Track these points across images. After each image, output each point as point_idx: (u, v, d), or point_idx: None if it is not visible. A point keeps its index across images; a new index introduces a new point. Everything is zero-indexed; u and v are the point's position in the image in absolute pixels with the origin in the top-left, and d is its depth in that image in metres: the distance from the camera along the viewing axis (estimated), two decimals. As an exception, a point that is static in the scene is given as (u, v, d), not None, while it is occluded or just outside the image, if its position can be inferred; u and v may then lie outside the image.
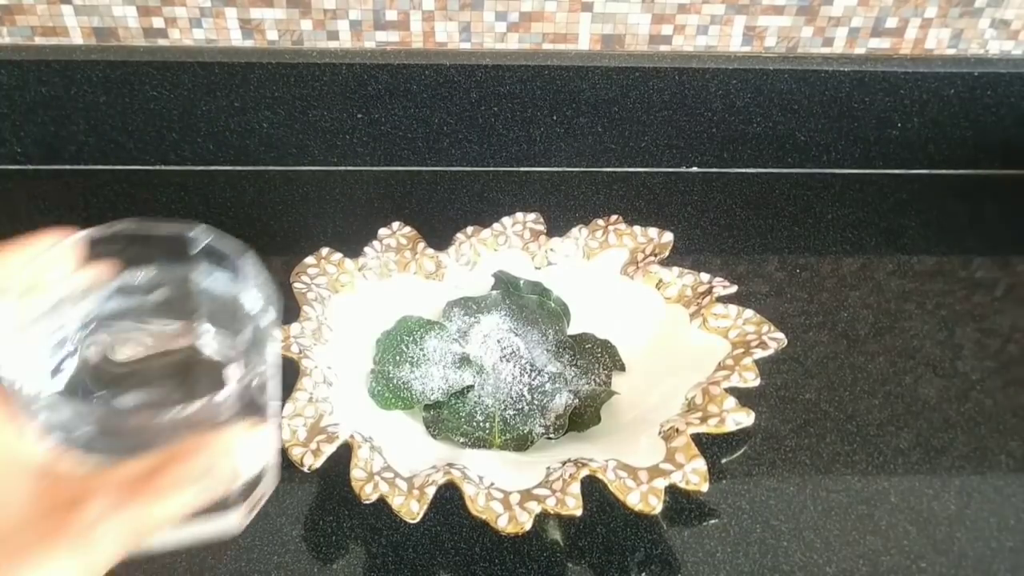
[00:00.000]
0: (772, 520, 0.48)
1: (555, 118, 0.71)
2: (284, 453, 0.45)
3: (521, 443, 0.50)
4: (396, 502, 0.43)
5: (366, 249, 0.58)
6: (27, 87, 0.67)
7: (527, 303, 0.58)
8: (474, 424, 0.51)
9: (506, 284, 0.58)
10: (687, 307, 0.55)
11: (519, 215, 0.62)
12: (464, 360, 0.54)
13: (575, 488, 0.43)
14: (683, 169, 0.75)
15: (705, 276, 0.56)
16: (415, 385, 0.52)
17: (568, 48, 0.70)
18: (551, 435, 0.50)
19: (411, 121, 0.71)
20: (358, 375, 0.52)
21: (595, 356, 0.55)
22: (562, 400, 0.52)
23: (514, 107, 0.70)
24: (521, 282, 0.59)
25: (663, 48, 0.70)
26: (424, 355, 0.54)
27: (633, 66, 0.69)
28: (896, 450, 0.52)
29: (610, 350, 0.55)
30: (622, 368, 0.55)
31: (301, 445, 0.45)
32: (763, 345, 0.50)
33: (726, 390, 0.47)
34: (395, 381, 0.52)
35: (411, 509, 0.42)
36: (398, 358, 0.53)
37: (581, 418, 0.51)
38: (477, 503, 0.43)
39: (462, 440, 0.50)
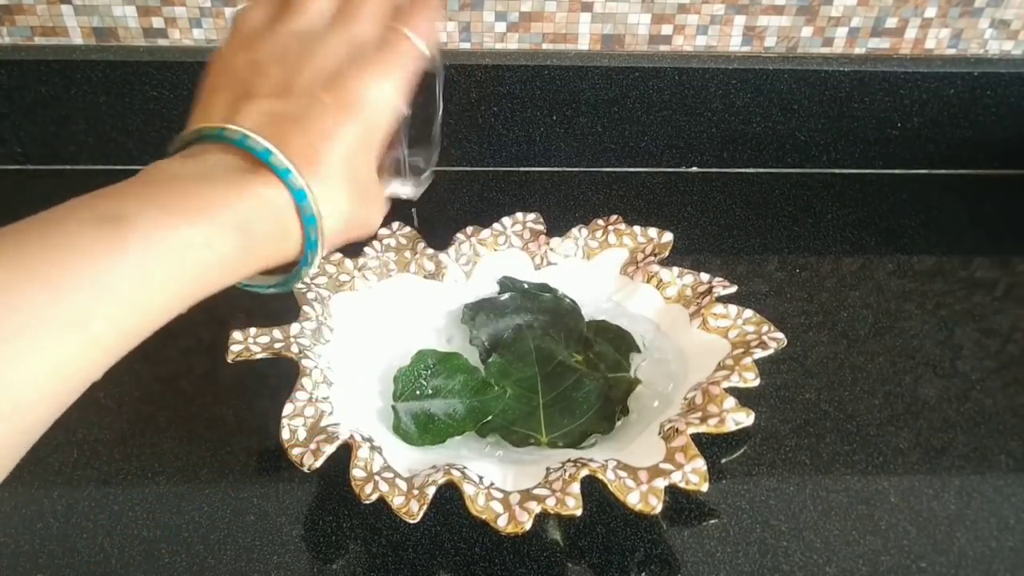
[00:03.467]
0: (772, 520, 0.48)
1: (555, 118, 0.71)
2: (284, 453, 0.45)
3: (571, 439, 0.50)
4: (396, 502, 0.43)
5: (366, 249, 0.58)
6: (27, 87, 0.67)
7: (544, 300, 0.57)
8: (520, 423, 0.51)
9: (512, 287, 0.58)
10: (687, 307, 0.55)
11: (519, 215, 0.62)
12: (485, 385, 0.52)
13: (575, 488, 0.43)
14: (683, 169, 0.75)
15: (705, 276, 0.56)
16: (441, 416, 0.50)
17: (568, 48, 0.70)
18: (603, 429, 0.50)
19: (411, 121, 0.71)
20: (358, 375, 0.52)
21: (614, 344, 0.55)
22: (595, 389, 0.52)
23: (514, 107, 0.70)
24: (526, 286, 0.58)
25: (663, 48, 0.70)
26: (447, 387, 0.52)
27: (633, 66, 0.69)
28: (896, 450, 0.52)
29: (626, 336, 0.55)
30: (638, 351, 0.55)
31: (301, 445, 0.45)
32: (763, 345, 0.50)
33: (726, 390, 0.47)
34: (421, 416, 0.50)
35: (411, 509, 0.42)
36: (418, 392, 0.51)
37: (613, 413, 0.51)
38: (477, 503, 0.43)
39: (512, 439, 0.50)
